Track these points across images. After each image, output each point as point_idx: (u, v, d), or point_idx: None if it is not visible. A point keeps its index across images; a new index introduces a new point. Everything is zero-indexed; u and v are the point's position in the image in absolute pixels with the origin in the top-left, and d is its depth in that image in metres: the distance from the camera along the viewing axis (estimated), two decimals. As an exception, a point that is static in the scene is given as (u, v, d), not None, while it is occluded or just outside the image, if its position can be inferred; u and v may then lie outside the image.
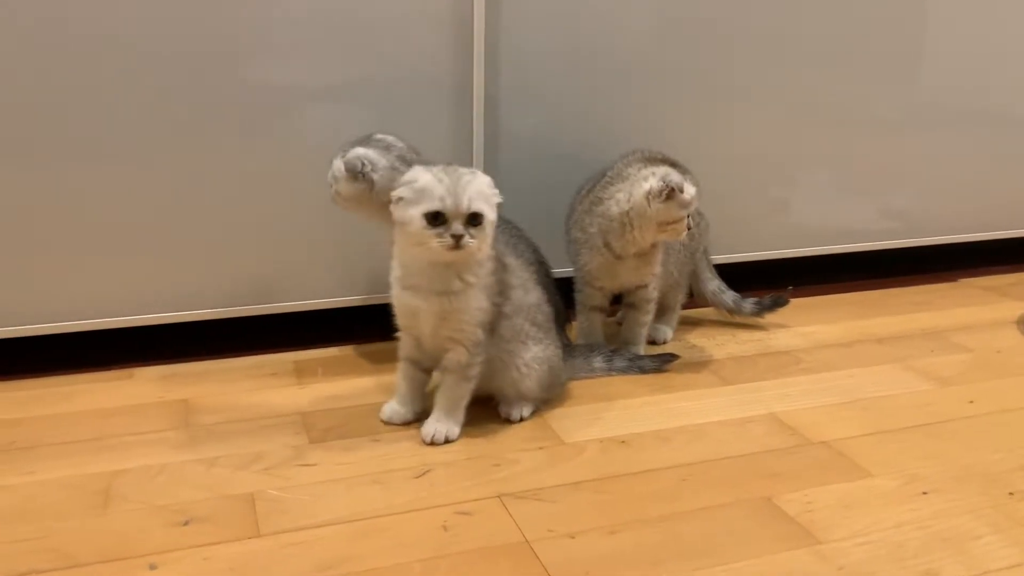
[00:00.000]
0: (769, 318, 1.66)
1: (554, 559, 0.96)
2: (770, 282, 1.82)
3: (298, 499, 1.06)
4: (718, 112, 1.65)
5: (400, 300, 1.18)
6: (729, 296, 1.61)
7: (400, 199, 1.11)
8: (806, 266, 1.82)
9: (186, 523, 1.01)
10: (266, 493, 1.07)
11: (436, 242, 1.08)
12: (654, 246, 1.39)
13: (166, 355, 1.44)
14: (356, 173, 1.25)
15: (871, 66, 1.73)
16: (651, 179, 1.31)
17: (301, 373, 1.40)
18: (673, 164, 1.34)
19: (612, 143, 1.48)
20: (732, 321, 1.64)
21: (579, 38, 1.51)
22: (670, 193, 1.29)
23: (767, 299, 1.61)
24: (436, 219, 1.08)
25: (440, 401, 1.20)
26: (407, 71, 1.42)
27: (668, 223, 1.32)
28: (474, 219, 1.10)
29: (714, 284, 1.61)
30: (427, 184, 1.09)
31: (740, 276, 1.70)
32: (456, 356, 1.17)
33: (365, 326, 1.52)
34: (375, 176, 1.26)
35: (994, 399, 1.35)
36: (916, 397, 1.36)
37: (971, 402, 1.34)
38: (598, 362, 1.40)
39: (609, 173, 1.39)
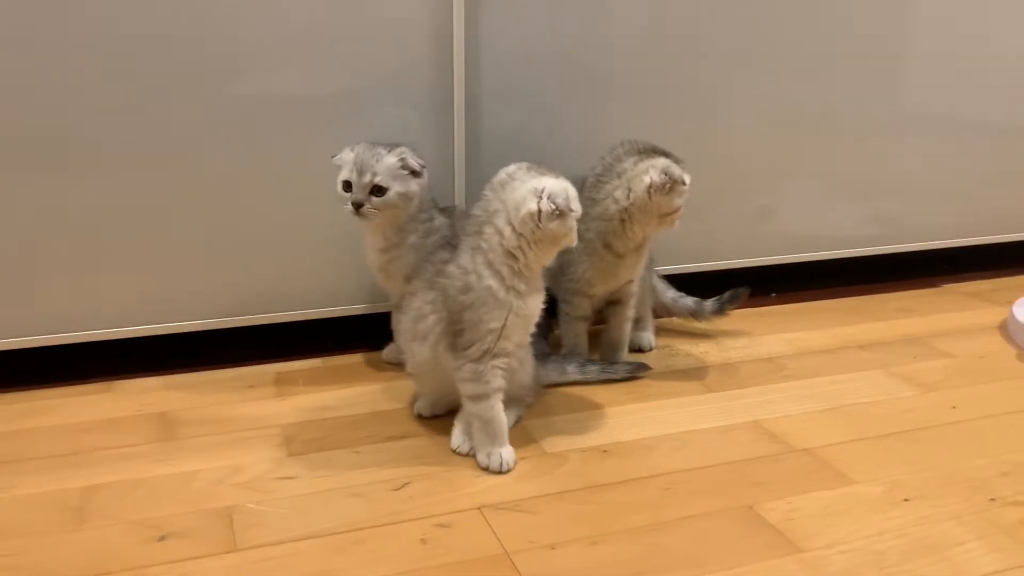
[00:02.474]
0: (753, 324, 1.66)
1: (534, 571, 0.95)
2: (754, 289, 1.82)
3: (276, 512, 1.05)
4: (701, 120, 1.65)
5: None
6: (689, 300, 1.60)
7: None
8: (790, 273, 1.82)
9: (162, 538, 1.00)
10: (244, 507, 1.06)
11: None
12: (645, 237, 1.38)
13: (146, 368, 1.42)
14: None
15: (854, 76, 1.74)
16: (651, 172, 1.29)
17: (282, 385, 1.39)
18: (665, 153, 1.33)
19: (594, 149, 1.48)
20: (716, 329, 1.63)
21: (562, 46, 1.51)
22: (672, 185, 1.28)
23: (726, 295, 1.60)
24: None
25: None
26: (390, 79, 1.41)
27: (667, 214, 1.31)
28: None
29: (671, 292, 1.61)
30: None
31: (724, 283, 1.70)
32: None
33: (347, 337, 1.52)
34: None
35: (977, 405, 1.35)
36: (899, 403, 1.35)
37: (954, 408, 1.34)
38: (572, 369, 1.39)
39: (597, 170, 1.37)
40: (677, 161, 1.31)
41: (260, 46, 1.34)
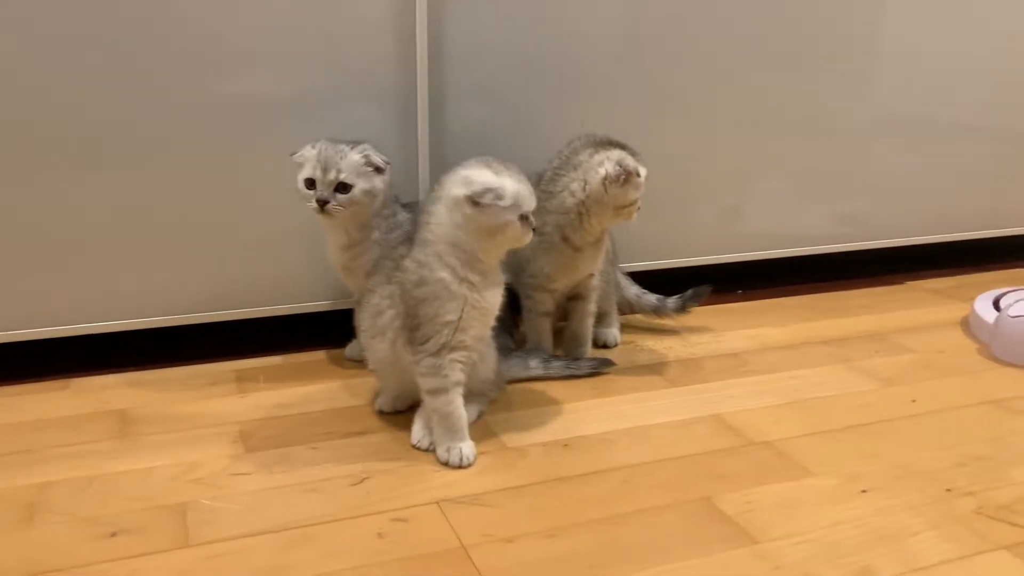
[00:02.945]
0: (719, 320, 1.67)
1: (490, 564, 0.94)
2: (721, 286, 1.83)
3: (231, 509, 1.04)
4: (671, 119, 1.66)
5: None
6: (652, 298, 1.61)
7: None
8: (756, 270, 1.83)
9: (114, 535, 0.98)
10: (198, 503, 1.05)
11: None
12: (603, 230, 1.38)
13: (104, 365, 1.41)
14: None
15: (824, 78, 1.76)
16: (606, 164, 1.29)
17: (242, 382, 1.38)
18: (621, 146, 1.33)
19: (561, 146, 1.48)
20: (681, 325, 1.64)
21: (529, 44, 1.51)
22: (627, 177, 1.28)
23: (688, 293, 1.60)
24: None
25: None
26: (353, 77, 1.41)
27: (624, 206, 1.31)
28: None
29: (634, 289, 1.61)
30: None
31: (692, 280, 1.70)
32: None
33: (310, 334, 1.51)
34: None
35: (935, 398, 1.36)
36: (859, 397, 1.36)
37: (913, 401, 1.35)
38: (535, 364, 1.39)
39: (554, 163, 1.37)
40: (633, 153, 1.31)
41: (223, 46, 1.33)
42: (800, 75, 1.73)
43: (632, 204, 1.31)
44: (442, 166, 1.47)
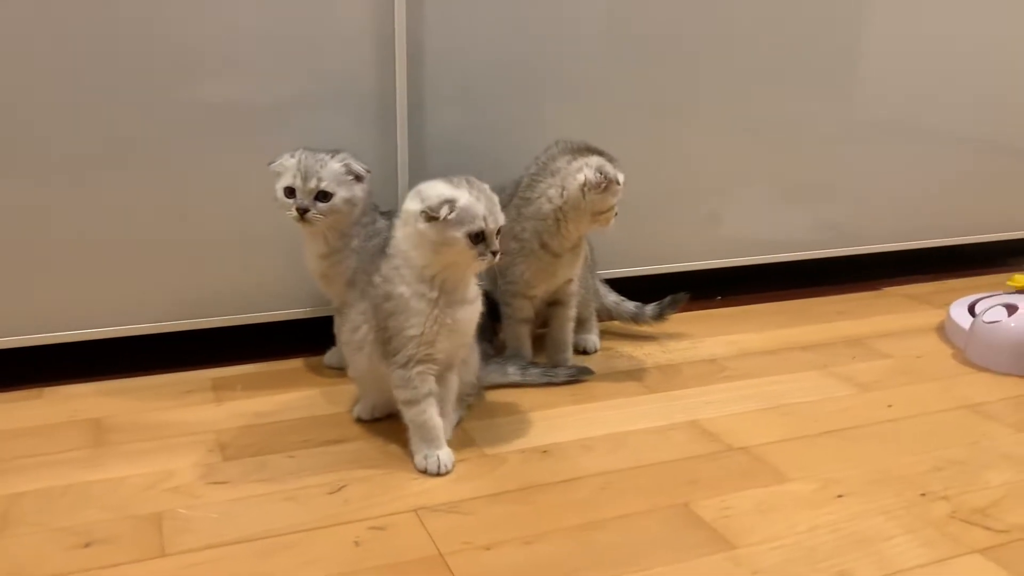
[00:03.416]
0: (697, 326, 1.67)
1: (468, 572, 0.94)
2: (700, 292, 1.83)
3: (207, 517, 1.03)
4: (651, 127, 1.66)
5: None
6: (630, 305, 1.61)
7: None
8: (735, 276, 1.84)
9: (87, 545, 0.97)
10: (174, 512, 1.04)
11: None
12: (581, 236, 1.38)
13: (79, 374, 1.39)
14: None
15: (803, 86, 1.77)
16: (585, 170, 1.29)
17: (219, 390, 1.37)
18: (599, 152, 1.33)
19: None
20: (660, 331, 1.64)
21: (508, 50, 1.51)
22: (607, 184, 1.29)
23: (666, 300, 1.61)
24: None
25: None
26: (333, 84, 1.40)
27: (601, 212, 1.32)
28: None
29: (612, 296, 1.62)
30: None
31: (671, 287, 1.71)
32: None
33: (288, 342, 1.50)
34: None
35: (912, 403, 1.37)
36: (836, 402, 1.37)
37: (889, 406, 1.36)
38: (512, 370, 1.39)
39: (532, 170, 1.37)
40: (611, 160, 1.32)
41: (200, 53, 1.32)
42: (779, 83, 1.75)
43: (609, 210, 1.32)
44: (422, 173, 1.48)
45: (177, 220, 1.37)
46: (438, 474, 1.13)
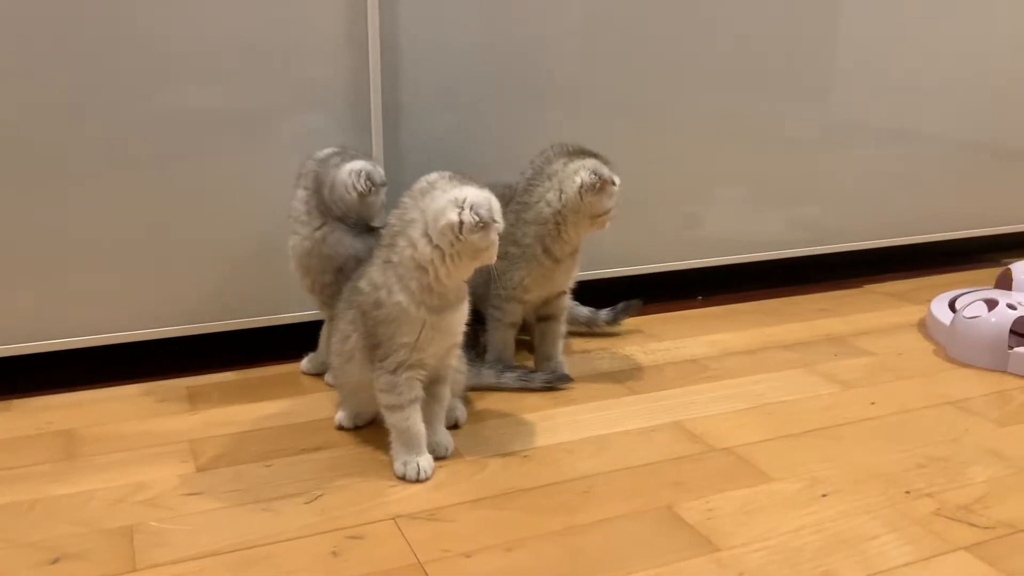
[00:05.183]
0: (678, 327, 1.66)
1: (447, 580, 0.92)
2: (681, 292, 1.83)
3: (180, 530, 1.00)
4: (631, 129, 1.65)
5: None
6: (584, 310, 1.60)
7: None
8: (716, 276, 1.83)
9: (56, 560, 0.94)
10: (146, 525, 1.01)
11: None
12: (579, 241, 1.36)
13: (49, 385, 1.36)
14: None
15: (781, 88, 1.77)
16: (582, 172, 1.28)
17: (194, 399, 1.34)
18: (594, 155, 1.32)
19: (521, 157, 1.47)
20: (640, 333, 1.63)
21: (484, 54, 1.50)
22: (602, 185, 1.27)
23: (620, 306, 1.61)
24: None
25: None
26: (306, 88, 1.38)
27: (599, 215, 1.30)
28: None
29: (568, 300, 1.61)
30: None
31: (651, 286, 1.70)
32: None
33: (264, 349, 1.47)
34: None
35: (894, 400, 1.37)
36: (819, 401, 1.36)
37: (872, 404, 1.35)
38: (488, 373, 1.37)
39: (527, 174, 1.35)
40: (606, 162, 1.31)
41: (173, 59, 1.30)
42: (758, 86, 1.75)
43: (606, 213, 1.30)
44: (399, 176, 1.46)
45: (151, 227, 1.35)
46: (417, 480, 1.11)
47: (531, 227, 1.33)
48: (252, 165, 1.38)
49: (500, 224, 1.06)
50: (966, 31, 1.92)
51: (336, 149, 1.31)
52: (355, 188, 1.25)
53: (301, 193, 1.29)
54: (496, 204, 1.07)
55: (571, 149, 1.33)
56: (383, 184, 1.28)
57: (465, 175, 1.09)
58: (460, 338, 1.16)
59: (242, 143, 1.36)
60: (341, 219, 1.28)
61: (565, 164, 1.31)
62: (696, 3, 1.64)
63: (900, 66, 1.88)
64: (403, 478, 1.12)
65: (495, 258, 1.09)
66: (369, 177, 1.25)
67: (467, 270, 1.08)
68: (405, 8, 1.42)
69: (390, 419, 1.13)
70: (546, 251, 1.34)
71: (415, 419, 1.12)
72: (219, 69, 1.33)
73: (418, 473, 1.11)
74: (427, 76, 1.47)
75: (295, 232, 1.30)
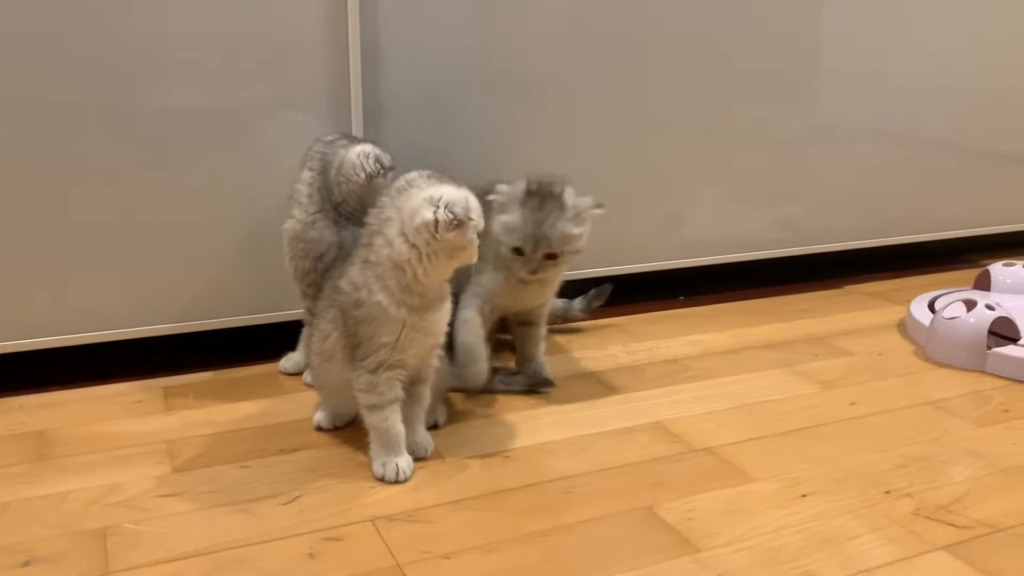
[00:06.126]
0: (660, 327, 1.66)
1: (426, 582, 0.91)
2: (662, 292, 1.83)
3: (155, 532, 0.99)
4: (614, 130, 1.65)
5: None
6: (558, 302, 1.59)
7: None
8: (698, 276, 1.83)
9: (26, 564, 0.93)
10: (120, 527, 1.00)
11: None
12: None
13: (22, 385, 1.34)
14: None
15: (763, 89, 1.77)
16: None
17: (171, 399, 1.33)
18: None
19: (503, 158, 1.46)
20: (623, 332, 1.63)
21: (467, 57, 1.49)
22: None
23: (591, 293, 1.60)
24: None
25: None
26: (285, 88, 1.37)
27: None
28: None
29: None
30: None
31: (633, 287, 1.70)
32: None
33: (243, 349, 1.46)
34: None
35: (875, 400, 1.37)
36: (800, 401, 1.36)
37: (853, 404, 1.36)
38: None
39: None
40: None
41: (152, 58, 1.28)
42: (741, 86, 1.75)
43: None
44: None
45: (127, 226, 1.33)
46: (396, 481, 1.10)
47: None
48: (232, 165, 1.36)
49: (478, 222, 1.05)
50: (946, 32, 1.92)
51: (343, 133, 1.31)
52: (364, 169, 1.24)
53: (307, 175, 1.28)
54: (474, 203, 1.05)
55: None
56: (392, 168, 1.26)
57: (445, 174, 1.08)
58: (442, 339, 1.15)
59: (221, 143, 1.35)
60: (339, 205, 1.27)
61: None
62: (679, 3, 1.64)
63: (882, 67, 1.88)
64: (382, 479, 1.11)
65: (475, 258, 1.08)
66: (378, 159, 1.25)
67: (446, 269, 1.07)
68: (385, 7, 1.41)
69: (369, 419, 1.12)
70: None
71: (394, 419, 1.11)
72: (199, 68, 1.32)
73: (397, 474, 1.10)
74: (408, 75, 1.46)
75: (291, 215, 1.29)
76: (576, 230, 1.26)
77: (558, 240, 1.25)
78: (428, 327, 1.10)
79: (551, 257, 1.26)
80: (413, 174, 1.09)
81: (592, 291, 1.61)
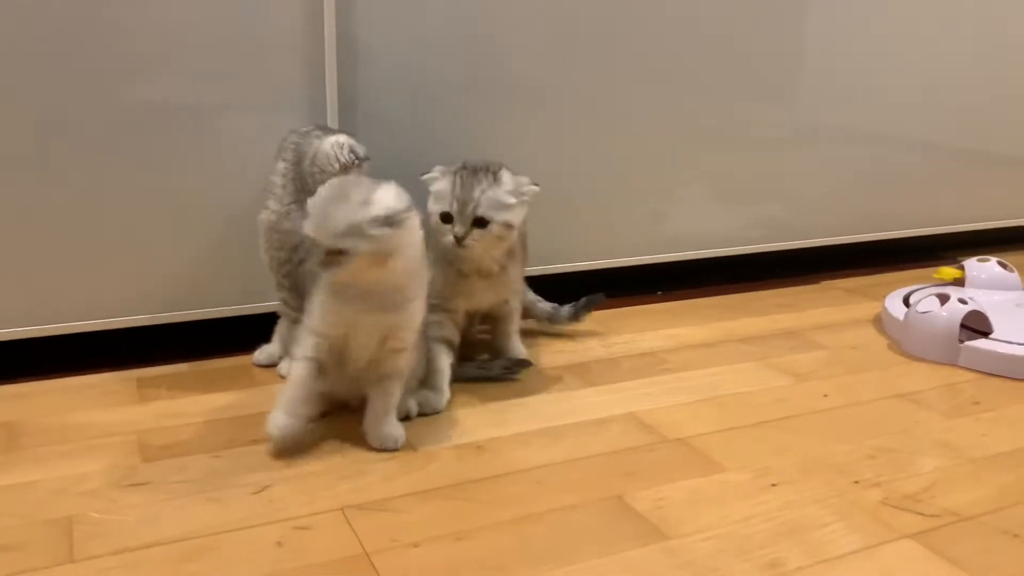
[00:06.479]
0: (638, 321, 1.67)
1: (393, 570, 0.91)
2: (641, 287, 1.83)
3: (122, 521, 0.98)
4: (595, 127, 1.65)
5: None
6: (546, 305, 1.59)
7: None
8: (676, 271, 1.84)
9: (-10, 553, 0.92)
10: (87, 516, 0.99)
11: None
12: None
13: (-6, 377, 1.33)
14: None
15: (743, 89, 1.78)
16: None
17: (143, 391, 1.32)
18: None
19: (483, 156, 1.46)
20: (600, 326, 1.63)
21: (447, 57, 1.49)
22: None
23: (581, 301, 1.59)
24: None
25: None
26: (259, 85, 1.36)
27: None
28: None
29: (531, 295, 1.59)
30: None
31: (612, 281, 1.70)
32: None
33: (216, 340, 1.45)
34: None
35: (847, 393, 1.38)
36: (772, 393, 1.37)
37: (825, 396, 1.36)
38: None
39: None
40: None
41: (126, 53, 1.27)
42: (722, 86, 1.76)
43: None
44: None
45: (100, 219, 1.32)
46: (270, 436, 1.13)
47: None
48: (206, 159, 1.36)
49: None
50: (927, 33, 1.94)
51: (317, 124, 1.31)
52: (338, 160, 1.23)
53: (281, 165, 1.28)
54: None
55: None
56: (366, 158, 1.25)
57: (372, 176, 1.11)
58: (400, 343, 1.15)
59: (195, 138, 1.34)
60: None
61: None
62: (662, 3, 1.65)
63: (862, 67, 1.90)
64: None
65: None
66: (352, 150, 1.24)
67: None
68: (363, 2, 1.41)
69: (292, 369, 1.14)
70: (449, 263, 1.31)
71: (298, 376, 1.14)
72: (173, 64, 1.31)
73: (269, 427, 1.13)
74: (385, 72, 1.45)
75: (266, 206, 1.29)
76: (508, 199, 1.25)
77: (486, 203, 1.23)
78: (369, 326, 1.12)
79: (480, 223, 1.25)
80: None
81: (583, 300, 1.59)
